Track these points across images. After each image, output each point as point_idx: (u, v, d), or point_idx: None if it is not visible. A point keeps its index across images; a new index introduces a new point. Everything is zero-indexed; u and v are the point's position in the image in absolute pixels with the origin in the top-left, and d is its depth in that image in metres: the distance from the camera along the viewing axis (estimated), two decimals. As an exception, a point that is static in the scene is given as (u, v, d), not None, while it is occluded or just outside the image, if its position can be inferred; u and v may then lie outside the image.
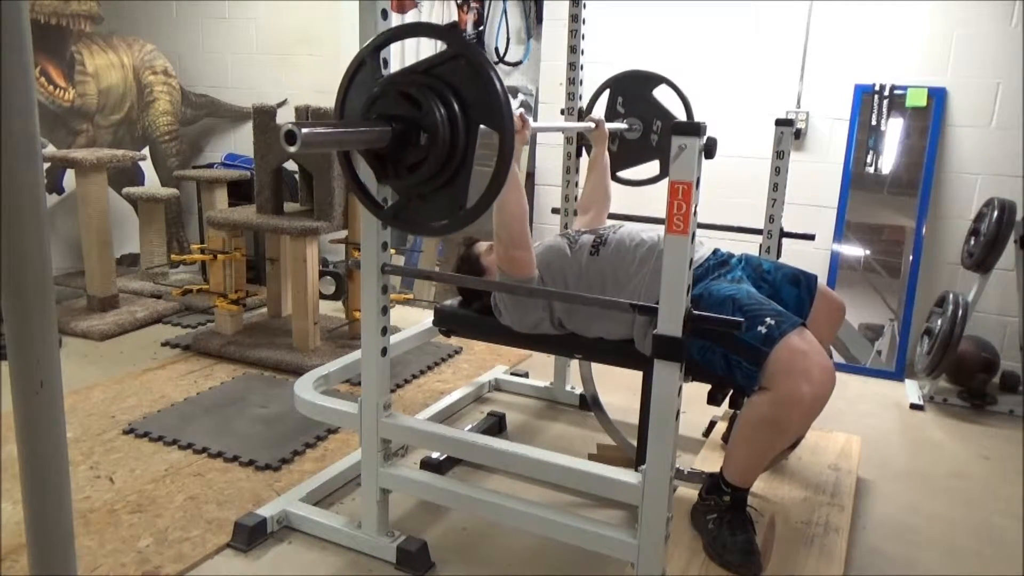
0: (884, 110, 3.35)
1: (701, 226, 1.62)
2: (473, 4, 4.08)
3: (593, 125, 2.46)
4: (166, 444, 2.40)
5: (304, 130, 1.19)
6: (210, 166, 4.64)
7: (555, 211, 2.87)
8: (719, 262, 1.97)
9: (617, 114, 2.76)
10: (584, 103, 2.78)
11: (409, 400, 2.87)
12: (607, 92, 2.78)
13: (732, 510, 1.79)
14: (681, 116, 2.72)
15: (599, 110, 2.80)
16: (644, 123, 2.73)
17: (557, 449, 1.75)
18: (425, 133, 1.35)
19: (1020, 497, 2.34)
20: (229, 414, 2.64)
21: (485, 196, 1.40)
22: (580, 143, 2.77)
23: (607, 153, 2.51)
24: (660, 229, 1.87)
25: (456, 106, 1.36)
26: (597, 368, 2.39)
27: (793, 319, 1.69)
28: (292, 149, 1.18)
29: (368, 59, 1.48)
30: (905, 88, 3.32)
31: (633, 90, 2.73)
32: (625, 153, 2.74)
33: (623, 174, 2.76)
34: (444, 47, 1.38)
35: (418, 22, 1.50)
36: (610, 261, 1.92)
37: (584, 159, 2.79)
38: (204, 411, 2.65)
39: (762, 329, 1.64)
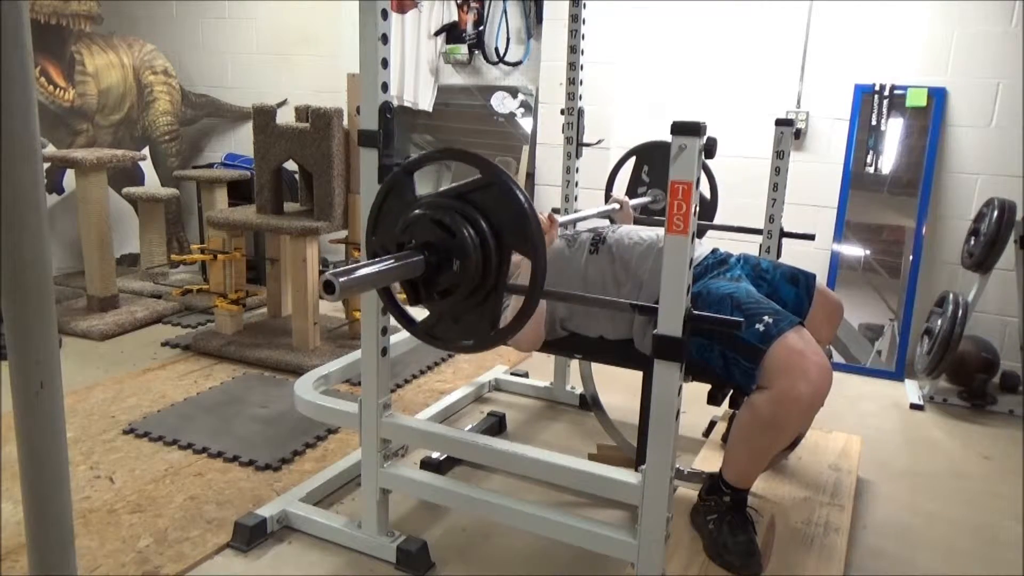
0: (884, 110, 3.35)
1: (701, 226, 1.62)
2: (473, 4, 4.08)
3: (618, 206, 2.43)
4: (166, 444, 2.40)
5: (342, 279, 1.19)
6: (210, 166, 4.64)
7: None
8: (718, 261, 1.97)
9: (642, 182, 2.75)
10: (608, 170, 2.76)
11: (409, 400, 2.87)
12: (633, 159, 2.77)
13: (732, 510, 1.79)
14: (705, 190, 2.72)
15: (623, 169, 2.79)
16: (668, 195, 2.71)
17: (557, 449, 1.75)
18: (458, 260, 1.37)
19: (1020, 497, 2.34)
20: (229, 414, 2.64)
21: (517, 318, 1.42)
22: (580, 142, 2.77)
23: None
24: (660, 229, 1.88)
25: (489, 233, 1.37)
26: (597, 368, 2.39)
27: (791, 317, 1.69)
28: (331, 298, 1.19)
29: (401, 181, 1.48)
30: (905, 88, 3.32)
31: (660, 161, 2.70)
32: (645, 218, 2.69)
33: None
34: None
35: (450, 148, 1.51)
36: (609, 259, 1.92)
37: (584, 159, 2.80)
38: (204, 411, 2.65)
39: (760, 327, 1.64)
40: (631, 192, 2.76)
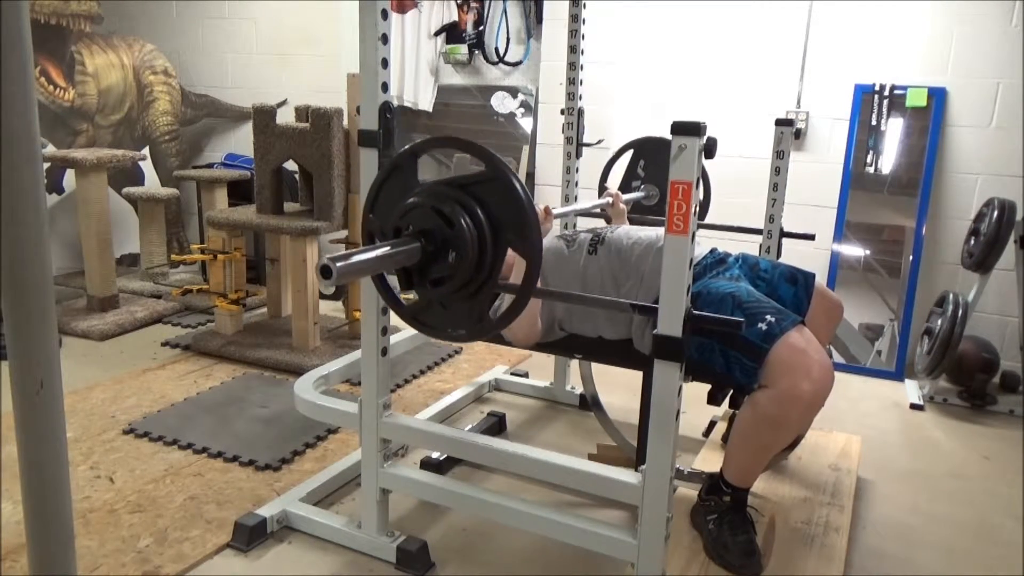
0: (884, 110, 3.35)
1: (701, 226, 1.62)
2: (473, 4, 4.08)
3: (610, 201, 2.42)
4: (166, 444, 2.40)
5: (339, 264, 1.19)
6: (210, 166, 4.64)
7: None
8: (717, 260, 1.98)
9: (636, 176, 2.74)
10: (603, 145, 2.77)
11: (409, 400, 2.87)
12: (630, 153, 2.77)
13: (732, 510, 1.79)
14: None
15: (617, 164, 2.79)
16: (661, 191, 2.71)
17: (557, 449, 1.75)
18: (454, 251, 1.36)
19: (1020, 497, 2.34)
20: (229, 414, 2.64)
21: (507, 313, 1.42)
22: (580, 142, 2.77)
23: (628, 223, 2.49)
24: (659, 229, 1.88)
25: (487, 227, 1.36)
26: (597, 368, 2.39)
27: (793, 316, 1.69)
28: (328, 282, 1.19)
29: (404, 163, 1.47)
30: (905, 88, 3.32)
31: (656, 156, 2.69)
32: (638, 218, 2.68)
33: None
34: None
35: (455, 137, 1.50)
36: (608, 260, 1.92)
37: (584, 159, 2.80)
38: (204, 411, 2.65)
39: (762, 326, 1.64)
40: (625, 186, 2.76)
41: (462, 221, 1.35)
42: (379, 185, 1.49)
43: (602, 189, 2.81)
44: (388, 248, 1.33)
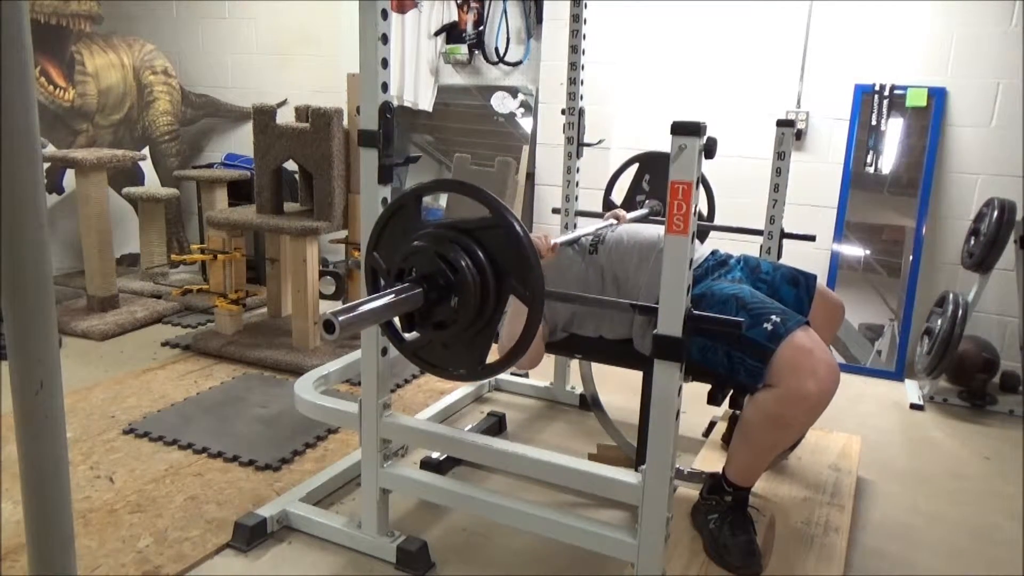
0: (884, 110, 3.35)
1: (701, 226, 1.62)
2: (473, 4, 4.08)
3: (615, 222, 2.41)
4: (166, 444, 2.40)
5: (341, 318, 1.19)
6: (210, 166, 4.64)
7: (555, 211, 2.87)
8: (718, 262, 1.98)
9: (641, 191, 2.74)
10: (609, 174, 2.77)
11: (409, 400, 2.87)
12: (635, 166, 2.76)
13: (733, 510, 1.79)
14: (703, 204, 2.71)
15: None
16: (665, 206, 2.70)
17: (557, 449, 1.75)
18: (456, 296, 1.37)
19: (1020, 497, 2.34)
20: (229, 414, 2.64)
21: (507, 357, 1.43)
22: (580, 142, 2.77)
23: None
24: (659, 227, 1.89)
25: (491, 274, 1.37)
26: (597, 368, 2.39)
27: (798, 317, 1.69)
28: (331, 337, 1.19)
29: (409, 203, 1.48)
30: (905, 88, 3.32)
31: (661, 171, 2.68)
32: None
33: None
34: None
35: (463, 183, 1.52)
36: (609, 259, 1.92)
37: (584, 159, 2.80)
38: (204, 411, 2.65)
39: (767, 326, 1.64)
40: (629, 200, 2.76)
41: (465, 268, 1.36)
42: (383, 224, 1.50)
43: (607, 204, 2.81)
44: (391, 297, 1.33)
